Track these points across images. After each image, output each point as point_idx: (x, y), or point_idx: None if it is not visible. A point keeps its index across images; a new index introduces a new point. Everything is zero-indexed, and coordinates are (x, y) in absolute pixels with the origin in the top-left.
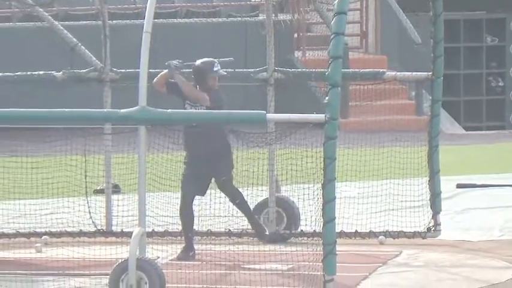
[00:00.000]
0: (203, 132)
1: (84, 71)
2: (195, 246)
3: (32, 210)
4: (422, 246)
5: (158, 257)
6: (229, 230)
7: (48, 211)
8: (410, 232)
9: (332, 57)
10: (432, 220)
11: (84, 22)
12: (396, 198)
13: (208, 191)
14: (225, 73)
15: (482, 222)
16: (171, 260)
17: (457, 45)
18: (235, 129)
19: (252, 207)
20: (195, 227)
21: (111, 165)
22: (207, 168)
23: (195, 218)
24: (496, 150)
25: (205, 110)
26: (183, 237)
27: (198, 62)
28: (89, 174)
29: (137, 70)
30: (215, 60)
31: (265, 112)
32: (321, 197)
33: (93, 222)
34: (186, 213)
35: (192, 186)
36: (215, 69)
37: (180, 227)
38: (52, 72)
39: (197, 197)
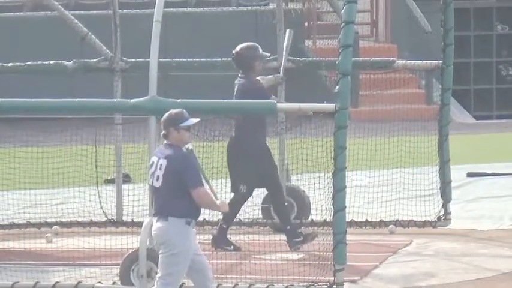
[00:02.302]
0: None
1: (94, 60)
2: (206, 236)
3: (42, 200)
4: (433, 236)
5: None
6: (240, 219)
7: (59, 201)
8: (420, 221)
9: (342, 46)
10: (442, 209)
11: (95, 12)
12: (406, 187)
13: (218, 181)
14: (268, 54)
15: (492, 211)
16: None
17: (467, 33)
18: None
19: (262, 196)
20: (205, 217)
21: (121, 155)
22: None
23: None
24: (506, 139)
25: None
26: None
27: (239, 48)
28: (100, 164)
29: (147, 60)
30: (255, 44)
31: (275, 101)
32: (332, 186)
33: (103, 212)
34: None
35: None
36: (260, 52)
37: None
38: (62, 61)
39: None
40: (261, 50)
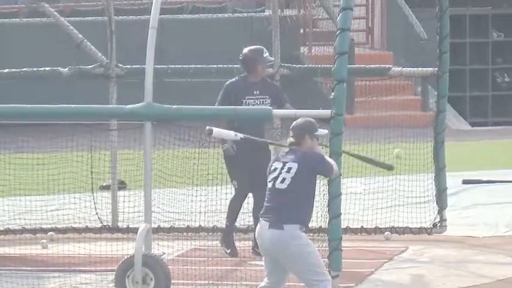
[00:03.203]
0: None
1: (90, 67)
2: (201, 243)
3: (38, 207)
4: (428, 242)
5: (164, 253)
6: (236, 226)
7: (54, 207)
8: (416, 228)
9: (338, 53)
10: (438, 216)
11: (90, 18)
12: (402, 194)
13: (214, 188)
14: (273, 59)
15: (488, 218)
16: (177, 256)
17: (463, 40)
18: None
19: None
20: (201, 223)
21: (117, 161)
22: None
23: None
24: (502, 146)
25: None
26: (188, 233)
27: (246, 50)
28: (95, 170)
29: (143, 66)
30: (262, 47)
31: (271, 108)
32: (327, 192)
33: (99, 218)
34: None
35: (247, 181)
36: (264, 55)
37: (185, 223)
38: (58, 68)
39: (203, 193)
40: (266, 54)
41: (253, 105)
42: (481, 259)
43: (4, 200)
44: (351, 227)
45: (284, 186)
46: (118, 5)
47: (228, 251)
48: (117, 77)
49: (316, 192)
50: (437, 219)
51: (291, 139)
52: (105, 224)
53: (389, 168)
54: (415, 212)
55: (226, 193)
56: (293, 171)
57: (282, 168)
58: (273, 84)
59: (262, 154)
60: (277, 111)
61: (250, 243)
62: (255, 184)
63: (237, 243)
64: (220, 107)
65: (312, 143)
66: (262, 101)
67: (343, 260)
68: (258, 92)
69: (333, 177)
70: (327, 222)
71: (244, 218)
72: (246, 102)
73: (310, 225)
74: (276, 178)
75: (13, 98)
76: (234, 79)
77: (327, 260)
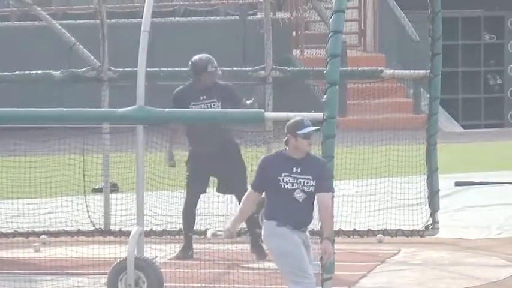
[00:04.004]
0: (208, 129)
1: (82, 70)
2: (194, 245)
3: (30, 210)
4: (421, 245)
5: (156, 256)
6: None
7: (47, 210)
8: (408, 230)
9: (330, 56)
10: (430, 218)
11: (82, 21)
12: (394, 197)
13: (206, 189)
14: (220, 73)
15: (480, 220)
16: (170, 259)
17: (455, 43)
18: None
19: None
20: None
21: (109, 164)
22: (211, 166)
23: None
24: (494, 148)
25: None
26: (181, 236)
27: (195, 57)
28: (87, 173)
29: (135, 69)
30: (212, 58)
31: (263, 110)
32: None
33: (91, 221)
34: (189, 213)
35: (198, 185)
36: (210, 68)
37: (178, 226)
38: (50, 71)
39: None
40: (212, 68)
41: None
42: (473, 261)
43: None
44: (343, 229)
45: None
46: (110, 8)
47: (191, 252)
48: (109, 80)
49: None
50: (430, 222)
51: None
52: (97, 227)
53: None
54: (407, 215)
55: (218, 195)
56: None
57: None
58: (224, 86)
59: (225, 152)
60: (268, 114)
61: (242, 246)
62: (230, 185)
63: (228, 246)
64: (209, 110)
65: (296, 142)
66: (210, 105)
67: (335, 263)
68: (204, 97)
69: None
70: (319, 224)
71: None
72: (191, 108)
73: None
74: None
75: (5, 102)
76: (181, 86)
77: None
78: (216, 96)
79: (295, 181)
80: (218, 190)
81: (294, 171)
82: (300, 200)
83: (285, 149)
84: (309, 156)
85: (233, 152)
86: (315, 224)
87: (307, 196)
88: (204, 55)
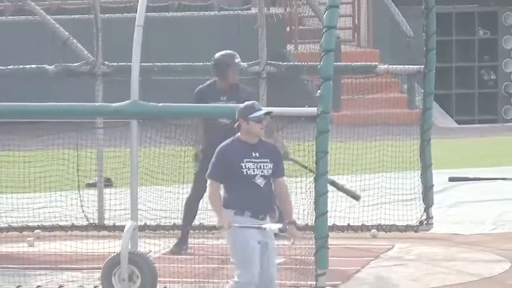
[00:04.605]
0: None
1: (76, 64)
2: (188, 240)
3: (24, 204)
4: (415, 240)
5: (150, 251)
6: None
7: (41, 205)
8: (402, 226)
9: (324, 51)
10: (424, 213)
11: (76, 16)
12: (388, 192)
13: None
14: (245, 64)
15: (474, 216)
16: (164, 253)
17: (449, 38)
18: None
19: None
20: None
21: (103, 159)
22: None
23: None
24: (488, 143)
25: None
26: (175, 231)
27: (218, 54)
28: (81, 168)
29: (129, 64)
30: (234, 52)
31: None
32: (313, 190)
33: (85, 216)
34: (192, 208)
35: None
36: (236, 61)
37: (172, 221)
38: (44, 66)
39: (189, 191)
40: (238, 59)
41: None
42: (467, 257)
43: None
44: (337, 224)
45: None
46: (104, 2)
47: (185, 247)
48: (103, 75)
49: (303, 190)
50: (424, 217)
51: (235, 124)
52: (91, 221)
53: (357, 198)
54: (401, 210)
55: None
56: None
57: None
58: (244, 89)
59: None
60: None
61: None
62: None
63: (223, 241)
64: (207, 105)
65: (248, 126)
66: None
67: (329, 258)
68: (224, 98)
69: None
70: (314, 220)
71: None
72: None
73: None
74: None
75: None
76: (204, 84)
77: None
78: (235, 98)
79: (255, 166)
80: None
81: (253, 155)
82: (262, 186)
83: (238, 135)
84: (261, 141)
85: None
86: (305, 220)
87: (267, 181)
88: (225, 51)
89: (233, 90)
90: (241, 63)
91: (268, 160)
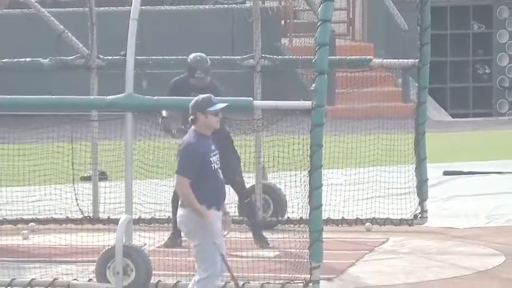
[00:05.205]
0: None
1: (70, 58)
2: (183, 234)
3: (19, 197)
4: (409, 233)
5: (145, 244)
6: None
7: (35, 198)
8: (397, 219)
9: (319, 44)
10: (419, 207)
11: (71, 9)
12: (383, 185)
13: None
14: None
15: (469, 210)
16: (158, 247)
17: (444, 32)
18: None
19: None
20: None
21: (97, 152)
22: None
23: None
24: (482, 137)
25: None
26: (169, 224)
27: (190, 56)
28: (76, 161)
29: (124, 57)
30: (203, 60)
31: (252, 99)
32: (308, 184)
33: (80, 209)
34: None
35: None
36: (196, 75)
37: (167, 214)
38: (39, 59)
39: None
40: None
41: None
42: (461, 250)
43: None
44: (331, 218)
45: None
46: None
47: (179, 240)
48: (98, 68)
49: (297, 183)
50: (418, 211)
51: (189, 118)
52: (86, 214)
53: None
54: (396, 203)
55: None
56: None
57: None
58: (213, 85)
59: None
60: (258, 103)
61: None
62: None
63: None
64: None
65: (206, 119)
66: None
67: (324, 251)
68: (194, 94)
69: (175, 186)
70: (308, 213)
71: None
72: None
73: (290, 216)
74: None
75: None
76: (179, 77)
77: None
78: (204, 93)
79: (216, 158)
80: None
81: (213, 149)
82: (222, 178)
83: (194, 130)
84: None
85: (227, 143)
86: (299, 213)
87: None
88: (197, 56)
89: (207, 86)
90: (206, 78)
91: (216, 151)
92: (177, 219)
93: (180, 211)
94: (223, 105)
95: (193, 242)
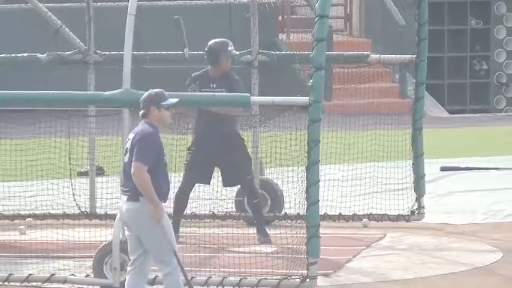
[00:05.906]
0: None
1: (68, 53)
2: (180, 229)
3: (16, 193)
4: (406, 229)
5: None
6: (214, 212)
7: (32, 193)
8: (394, 215)
9: (316, 40)
10: (416, 203)
11: (69, 4)
12: (380, 181)
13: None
14: (237, 53)
15: (466, 206)
16: None
17: (441, 27)
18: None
19: (235, 189)
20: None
21: (95, 147)
22: (216, 156)
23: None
24: (479, 133)
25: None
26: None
27: (211, 42)
28: (73, 156)
29: (121, 52)
30: (228, 40)
31: (249, 95)
32: (305, 179)
33: (77, 204)
34: (183, 198)
35: (197, 173)
36: (229, 48)
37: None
38: (36, 54)
39: (181, 179)
40: (230, 47)
41: None
42: (458, 246)
43: None
44: (329, 213)
45: (126, 159)
46: None
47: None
48: (95, 63)
49: (295, 179)
50: (415, 206)
51: (141, 112)
52: (83, 210)
53: None
54: (393, 199)
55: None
56: (129, 142)
57: (129, 140)
58: (233, 78)
59: (229, 143)
60: (254, 98)
61: (228, 229)
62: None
63: (215, 230)
64: (198, 93)
65: (159, 113)
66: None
67: (321, 247)
68: (214, 86)
69: (132, 172)
70: (305, 209)
71: (222, 204)
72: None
73: (288, 211)
74: (126, 151)
75: None
76: (198, 72)
77: (303, 247)
78: (224, 86)
79: (166, 153)
80: (225, 185)
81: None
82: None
83: (148, 122)
84: None
85: (238, 143)
86: (296, 209)
87: None
88: (218, 39)
89: (223, 77)
90: (234, 52)
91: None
92: (125, 214)
93: (129, 205)
94: (175, 100)
95: (149, 237)
